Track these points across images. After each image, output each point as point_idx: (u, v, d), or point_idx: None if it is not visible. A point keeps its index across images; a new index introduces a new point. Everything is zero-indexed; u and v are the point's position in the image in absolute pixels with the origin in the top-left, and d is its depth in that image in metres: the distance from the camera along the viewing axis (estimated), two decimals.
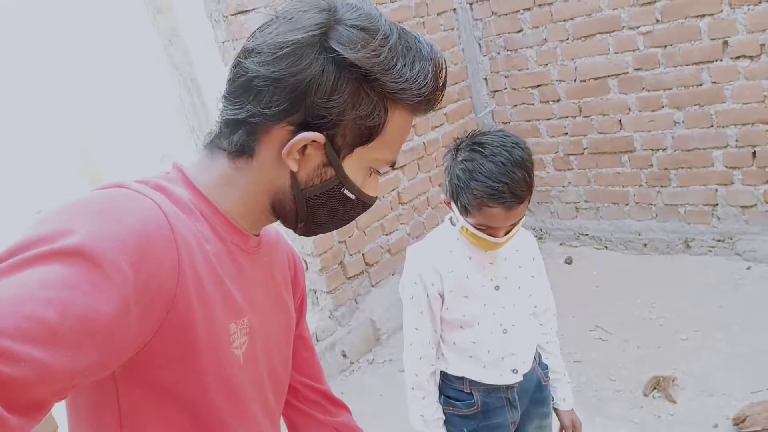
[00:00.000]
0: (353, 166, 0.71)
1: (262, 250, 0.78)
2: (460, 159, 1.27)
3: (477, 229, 1.27)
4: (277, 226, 0.82)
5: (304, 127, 0.66)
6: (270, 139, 0.68)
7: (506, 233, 1.28)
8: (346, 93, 0.65)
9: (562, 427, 1.56)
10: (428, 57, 0.69)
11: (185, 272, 0.60)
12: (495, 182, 1.19)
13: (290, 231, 0.77)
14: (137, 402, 0.63)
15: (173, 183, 0.68)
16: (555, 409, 1.55)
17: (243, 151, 0.69)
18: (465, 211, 1.27)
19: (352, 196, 0.73)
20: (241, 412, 0.71)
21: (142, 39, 3.26)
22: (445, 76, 0.72)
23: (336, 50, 0.64)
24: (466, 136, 1.30)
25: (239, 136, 0.69)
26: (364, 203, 0.76)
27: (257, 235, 0.77)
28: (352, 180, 0.72)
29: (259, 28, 0.70)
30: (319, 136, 0.67)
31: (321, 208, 0.73)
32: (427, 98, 0.70)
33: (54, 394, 0.49)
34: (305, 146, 0.68)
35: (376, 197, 0.78)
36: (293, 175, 0.69)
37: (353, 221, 0.84)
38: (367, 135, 0.69)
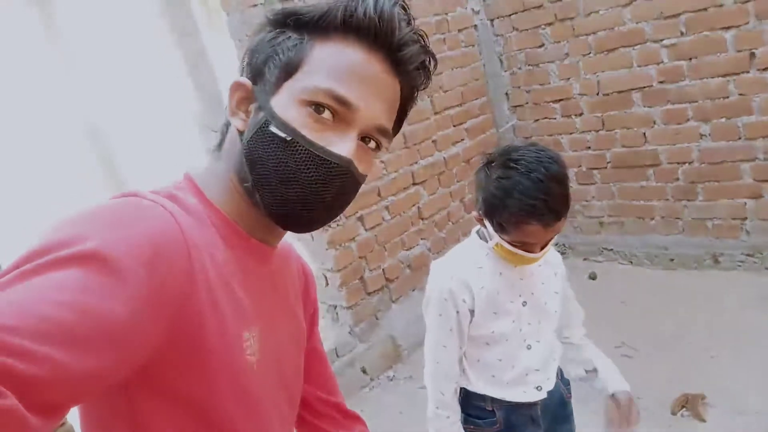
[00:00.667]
0: (282, 102, 0.66)
1: (272, 260, 0.78)
2: (494, 176, 1.24)
3: (513, 245, 1.25)
4: (286, 238, 0.81)
5: None
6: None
7: (542, 248, 1.27)
8: (264, 41, 0.70)
9: (617, 409, 1.43)
10: None
11: (197, 278, 0.61)
12: (533, 199, 1.17)
13: (306, 249, 0.77)
14: (150, 410, 0.63)
15: (184, 192, 0.69)
16: (613, 396, 1.44)
17: (222, 138, 0.74)
18: (501, 228, 1.25)
19: (284, 135, 0.65)
20: (255, 421, 0.71)
21: (166, 60, 3.35)
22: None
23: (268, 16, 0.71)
24: (499, 153, 1.28)
25: (220, 124, 0.73)
26: (313, 154, 0.65)
27: (273, 247, 0.76)
28: (279, 115, 0.65)
29: None
30: (243, 80, 0.69)
31: (256, 154, 0.66)
32: (356, 23, 0.66)
33: (70, 398, 0.50)
34: (248, 104, 0.70)
35: (342, 155, 0.66)
36: (241, 135, 0.69)
37: (330, 191, 0.67)
38: (288, 68, 0.67)
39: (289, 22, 0.69)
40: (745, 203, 3.01)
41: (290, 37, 0.68)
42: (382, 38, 0.67)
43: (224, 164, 0.72)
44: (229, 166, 0.71)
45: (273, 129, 0.65)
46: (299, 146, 0.64)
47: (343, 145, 0.66)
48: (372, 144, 0.70)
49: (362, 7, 0.66)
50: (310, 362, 0.91)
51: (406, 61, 0.70)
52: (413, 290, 3.25)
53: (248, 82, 0.69)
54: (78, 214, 0.58)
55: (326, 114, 0.65)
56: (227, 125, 0.73)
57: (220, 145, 0.74)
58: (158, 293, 0.56)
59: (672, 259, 3.35)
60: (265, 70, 0.68)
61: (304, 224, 0.70)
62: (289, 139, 0.64)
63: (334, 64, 0.65)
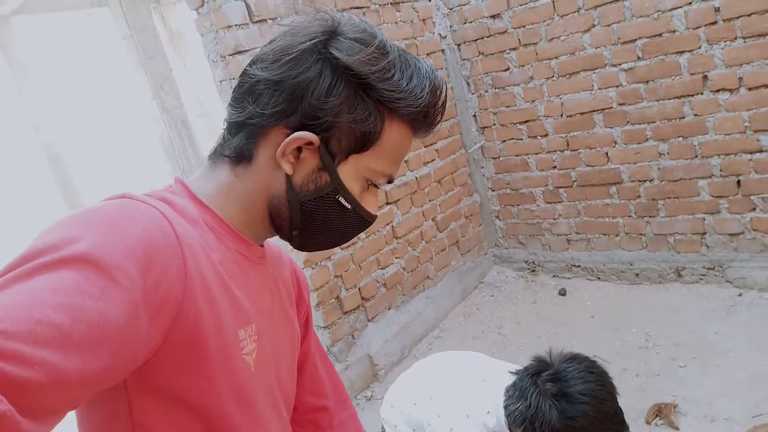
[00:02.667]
0: (349, 173, 0.71)
1: (266, 262, 0.79)
2: (555, 405, 1.25)
3: None
4: (277, 241, 0.83)
5: (301, 129, 0.69)
6: (267, 143, 0.70)
7: None
8: (341, 96, 0.68)
9: None
10: (426, 74, 0.72)
11: (192, 278, 0.61)
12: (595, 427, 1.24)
13: (292, 249, 0.79)
14: (150, 411, 0.63)
15: (177, 195, 0.70)
16: None
17: (242, 156, 0.72)
18: None
19: (348, 206, 0.72)
20: (253, 420, 0.71)
21: (132, 83, 3.32)
22: (445, 97, 0.74)
23: (334, 55, 0.68)
24: (550, 373, 1.29)
25: (239, 140, 0.72)
26: (362, 218, 0.75)
27: (261, 246, 0.78)
28: (347, 188, 0.72)
29: (268, 42, 0.75)
30: (313, 137, 0.69)
31: (316, 215, 0.72)
32: (425, 112, 0.72)
33: (66, 402, 0.49)
34: (300, 150, 0.70)
35: (376, 215, 0.77)
36: (288, 179, 0.70)
37: (351, 240, 0.84)
38: (363, 141, 0.70)
39: (366, 86, 0.69)
40: (704, 219, 3.15)
41: (367, 105, 0.69)
42: (429, 130, 0.76)
43: (247, 185, 0.72)
44: (254, 191, 0.72)
45: (341, 200, 0.72)
46: (355, 213, 0.74)
47: (376, 205, 0.77)
48: None
49: (429, 98, 0.71)
50: (300, 365, 0.91)
51: (430, 132, 0.78)
52: (389, 308, 3.25)
53: (317, 140, 0.69)
54: (70, 217, 0.58)
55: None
56: (252, 142, 0.71)
57: (238, 160, 0.72)
58: (153, 294, 0.56)
59: (637, 274, 3.46)
60: (336, 131, 0.69)
61: (314, 251, 0.82)
62: (350, 208, 0.73)
63: (396, 151, 0.73)
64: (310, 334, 0.95)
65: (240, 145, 0.72)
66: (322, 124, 0.68)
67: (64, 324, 0.47)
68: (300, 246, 0.77)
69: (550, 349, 1.36)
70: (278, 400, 0.78)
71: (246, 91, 0.71)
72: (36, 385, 0.44)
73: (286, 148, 0.69)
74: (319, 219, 0.73)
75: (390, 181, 0.76)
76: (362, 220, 0.75)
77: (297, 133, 0.68)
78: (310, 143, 0.69)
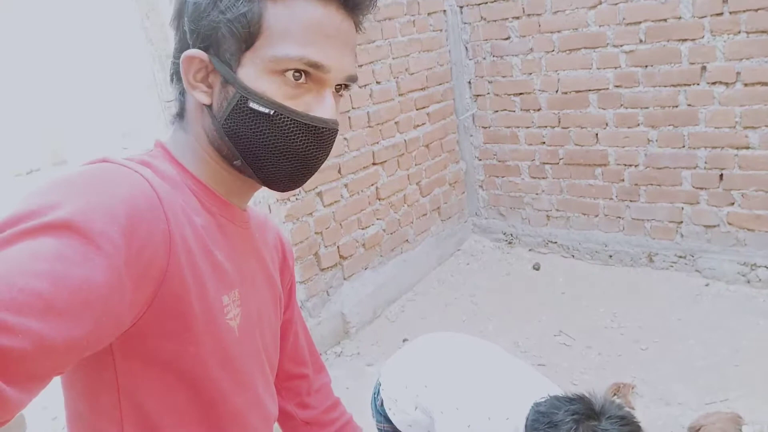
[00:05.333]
0: (251, 74, 0.64)
1: (251, 227, 0.78)
2: None
3: None
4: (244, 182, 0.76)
5: None
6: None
7: None
8: (205, 2, 0.64)
9: None
10: None
11: (176, 243, 0.60)
12: None
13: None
14: (136, 377, 0.63)
15: (158, 159, 0.68)
16: None
17: (181, 109, 0.71)
18: None
19: (267, 110, 0.64)
20: (238, 383, 0.71)
21: (116, 11, 3.17)
22: None
23: None
24: (593, 426, 1.22)
25: (175, 92, 0.71)
26: (303, 124, 0.65)
27: (244, 210, 0.77)
28: (254, 89, 0.64)
29: None
30: (198, 52, 0.65)
31: (240, 133, 0.65)
32: None
33: (51, 368, 0.49)
34: (207, 76, 0.66)
35: (322, 117, 0.66)
36: (209, 109, 0.67)
37: (317, 158, 0.69)
38: (246, 33, 0.63)
39: None
40: (683, 208, 3.21)
41: None
42: None
43: (191, 135, 0.71)
44: (198, 137, 0.70)
45: (253, 105, 0.64)
46: (284, 118, 0.64)
47: (324, 108, 0.66)
48: (342, 91, 0.71)
49: None
50: (283, 333, 0.91)
51: (360, 2, 0.67)
52: (366, 269, 3.27)
53: (204, 55, 0.65)
54: (50, 183, 0.57)
55: (301, 79, 0.64)
56: (183, 94, 0.70)
57: (180, 115, 0.72)
58: (137, 260, 0.55)
59: (611, 256, 3.53)
60: (219, 39, 0.64)
61: (297, 185, 0.72)
62: (271, 113, 0.64)
63: (296, 27, 0.63)
64: (293, 303, 0.95)
65: (177, 98, 0.71)
66: (203, 37, 0.65)
67: (46, 291, 0.46)
68: (261, 178, 0.69)
69: (597, 395, 1.27)
70: (264, 364, 0.79)
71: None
72: (19, 353, 0.44)
73: (188, 77, 0.66)
74: (246, 136, 0.65)
75: (318, 67, 0.64)
76: (306, 127, 0.65)
77: (182, 56, 0.65)
78: (202, 61, 0.65)
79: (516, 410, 1.37)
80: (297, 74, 0.64)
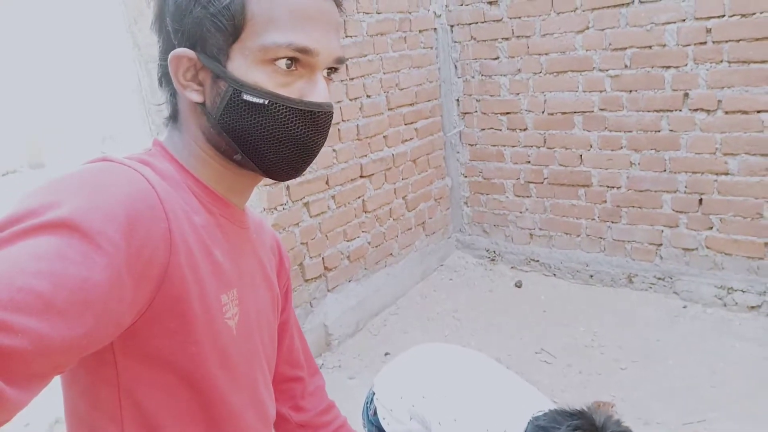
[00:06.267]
0: (240, 66, 0.64)
1: (249, 228, 0.78)
2: None
3: None
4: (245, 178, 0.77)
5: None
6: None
7: None
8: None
9: None
10: None
11: (176, 242, 0.60)
12: None
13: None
14: (136, 375, 0.63)
15: (156, 158, 0.68)
16: None
17: (174, 110, 0.71)
18: None
19: (262, 100, 0.64)
20: (236, 383, 0.71)
21: (102, 15, 3.16)
22: None
23: None
24: None
25: (166, 94, 0.70)
26: (299, 110, 0.65)
27: (243, 210, 0.77)
28: (246, 81, 0.63)
29: None
30: (185, 51, 0.64)
31: (237, 126, 0.65)
32: None
33: (51, 368, 0.49)
34: (196, 74, 0.66)
35: (318, 102, 0.66)
36: (203, 107, 0.67)
37: (314, 144, 0.70)
38: (231, 25, 0.63)
39: None
40: (662, 231, 3.27)
41: None
42: None
43: (187, 135, 0.71)
44: (195, 136, 0.70)
45: (247, 97, 0.63)
46: (279, 107, 0.64)
47: (318, 92, 0.66)
48: (331, 75, 0.71)
49: None
50: (279, 335, 0.91)
51: None
52: (349, 281, 3.27)
53: (191, 53, 0.64)
54: (50, 182, 0.57)
55: (292, 66, 0.65)
56: (174, 96, 0.70)
57: (173, 117, 0.72)
58: (137, 259, 0.55)
59: (591, 276, 3.58)
60: (204, 35, 0.64)
61: (298, 172, 0.72)
62: (266, 103, 0.64)
63: (280, 13, 0.63)
64: (289, 305, 0.95)
65: (168, 100, 0.71)
66: (188, 35, 0.64)
67: (45, 290, 0.46)
68: (264, 170, 0.69)
69: (599, 411, 1.26)
70: (263, 364, 0.79)
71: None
72: (19, 353, 0.44)
73: (178, 77, 0.66)
74: (244, 129, 0.65)
75: (307, 52, 0.64)
76: (302, 113, 0.66)
77: (169, 56, 0.64)
78: (190, 60, 0.65)
79: (513, 423, 1.37)
80: (288, 62, 0.64)
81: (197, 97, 0.66)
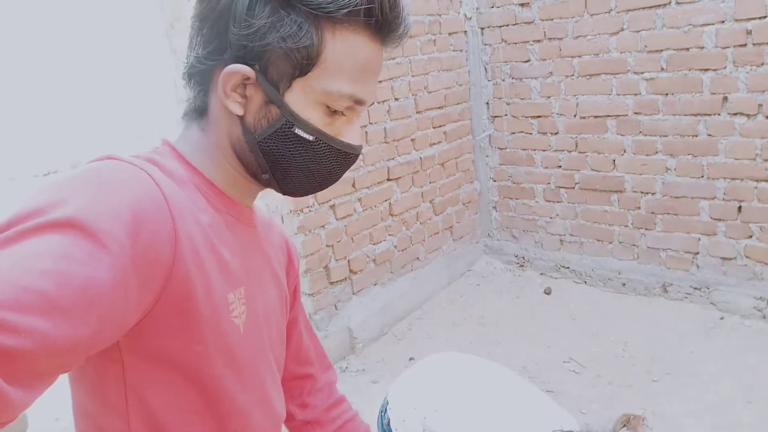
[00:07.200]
0: (299, 101, 0.65)
1: (257, 226, 0.78)
2: None
3: None
4: (262, 192, 0.79)
5: (235, 64, 0.64)
6: (214, 87, 0.67)
7: None
8: (263, 15, 0.61)
9: None
10: None
11: (182, 242, 0.60)
12: None
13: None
14: (143, 373, 0.63)
15: (164, 157, 0.68)
16: None
17: (200, 108, 0.70)
18: None
19: (310, 137, 0.66)
20: (243, 382, 0.71)
21: (140, 20, 3.23)
22: None
23: None
24: None
25: (194, 91, 0.70)
26: (337, 150, 0.69)
27: (251, 209, 0.77)
28: (301, 116, 0.65)
29: None
30: (245, 69, 0.63)
31: (278, 153, 0.67)
32: (367, 9, 0.62)
33: (56, 367, 0.49)
34: (245, 87, 0.65)
35: (355, 145, 0.70)
36: (241, 120, 0.66)
37: (340, 177, 0.74)
38: (302, 62, 0.62)
39: None
40: (699, 239, 3.16)
41: (294, 19, 0.61)
42: (389, 28, 0.66)
43: (210, 136, 0.70)
44: (219, 141, 0.69)
45: (298, 131, 0.66)
46: (322, 144, 0.67)
47: (354, 135, 0.70)
48: None
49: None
50: (287, 333, 0.91)
51: (398, 39, 0.69)
52: (375, 284, 3.25)
53: (251, 72, 0.63)
54: (57, 180, 0.57)
55: (342, 111, 0.68)
56: (206, 93, 0.69)
57: (199, 113, 0.71)
58: (143, 258, 0.54)
59: (624, 284, 3.48)
60: (272, 59, 0.63)
61: (311, 194, 0.77)
62: (312, 140, 0.67)
63: (350, 64, 0.64)
64: (298, 303, 0.95)
65: (194, 96, 0.70)
66: (253, 53, 0.63)
67: (50, 290, 0.46)
68: (282, 190, 0.72)
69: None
70: (271, 362, 0.78)
71: (190, 35, 0.67)
72: (23, 353, 0.44)
73: (225, 88, 0.65)
74: (283, 157, 0.67)
75: (361, 104, 0.67)
76: (338, 153, 0.69)
77: (227, 69, 0.63)
78: (245, 75, 0.64)
79: None
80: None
81: (238, 110, 0.66)
